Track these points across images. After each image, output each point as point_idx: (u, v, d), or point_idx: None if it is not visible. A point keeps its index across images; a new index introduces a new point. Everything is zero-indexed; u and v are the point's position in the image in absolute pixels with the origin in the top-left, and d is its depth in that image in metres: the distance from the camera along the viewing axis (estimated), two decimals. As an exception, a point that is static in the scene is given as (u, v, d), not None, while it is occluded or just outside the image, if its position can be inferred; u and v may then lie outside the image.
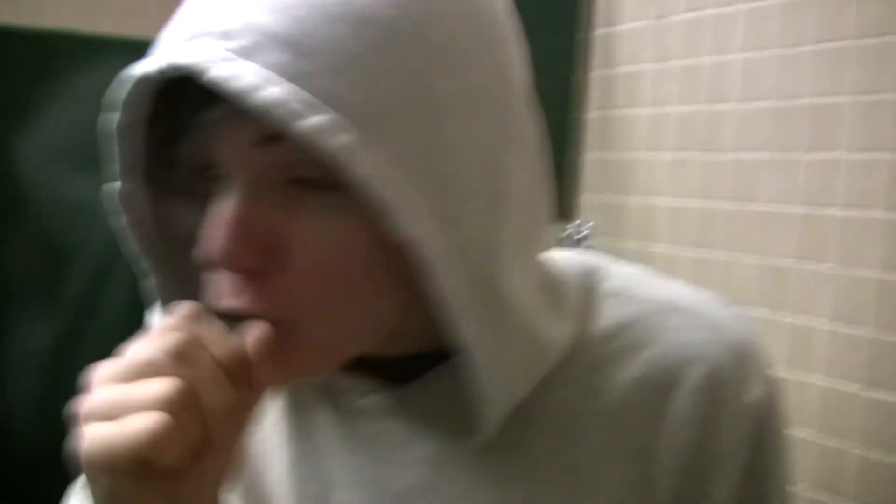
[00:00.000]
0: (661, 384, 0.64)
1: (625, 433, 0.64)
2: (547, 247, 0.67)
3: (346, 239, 0.56)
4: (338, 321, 0.58)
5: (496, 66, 0.58)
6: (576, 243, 2.25)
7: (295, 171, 0.55)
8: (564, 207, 2.36)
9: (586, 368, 0.65)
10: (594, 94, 2.37)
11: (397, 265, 0.55)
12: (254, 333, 0.55)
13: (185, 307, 0.56)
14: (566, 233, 2.29)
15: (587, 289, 0.68)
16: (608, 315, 0.67)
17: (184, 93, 0.55)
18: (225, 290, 0.58)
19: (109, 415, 0.50)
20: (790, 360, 1.77)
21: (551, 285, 0.66)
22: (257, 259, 0.56)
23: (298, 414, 0.71)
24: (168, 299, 0.64)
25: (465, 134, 0.55)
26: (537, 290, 0.63)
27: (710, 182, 2.02)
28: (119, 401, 0.50)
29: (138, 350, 0.53)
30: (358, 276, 0.57)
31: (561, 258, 0.70)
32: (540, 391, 0.64)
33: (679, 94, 2.11)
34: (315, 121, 0.50)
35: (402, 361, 0.65)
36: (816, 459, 1.72)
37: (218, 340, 0.54)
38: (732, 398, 0.64)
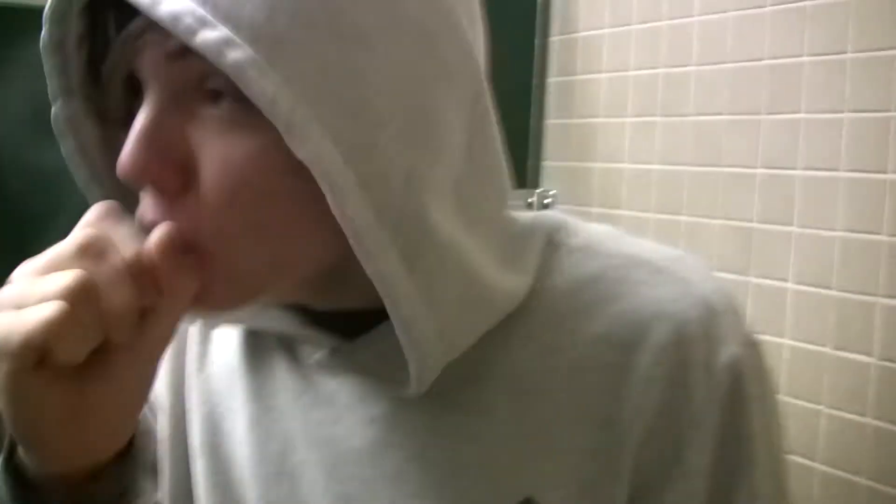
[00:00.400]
0: (625, 341, 0.61)
1: (586, 393, 0.61)
2: (505, 199, 0.64)
3: (253, 158, 0.54)
4: (252, 247, 0.56)
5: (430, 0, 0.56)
6: (541, 210, 2.25)
7: (207, 84, 0.54)
8: (528, 175, 2.35)
9: (547, 324, 0.63)
10: (554, 60, 2.36)
11: (311, 192, 0.52)
12: (156, 233, 0.54)
13: (101, 206, 0.55)
14: (530, 200, 2.28)
15: (552, 243, 0.66)
16: (572, 270, 0.64)
17: (117, 11, 0.54)
18: (143, 207, 0.57)
19: (14, 306, 0.50)
20: (758, 323, 1.76)
21: (512, 239, 0.64)
22: (165, 173, 0.54)
23: (259, 372, 0.70)
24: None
25: (382, 62, 0.53)
26: (491, 241, 0.61)
27: (672, 146, 2.01)
28: (24, 292, 0.50)
29: (53, 247, 0.52)
30: (269, 198, 0.55)
31: (528, 215, 0.67)
32: (496, 347, 0.62)
33: (639, 59, 2.10)
34: (207, 37, 0.50)
35: (356, 317, 0.63)
36: (787, 421, 1.73)
37: (127, 241, 0.53)
38: (702, 358, 0.60)
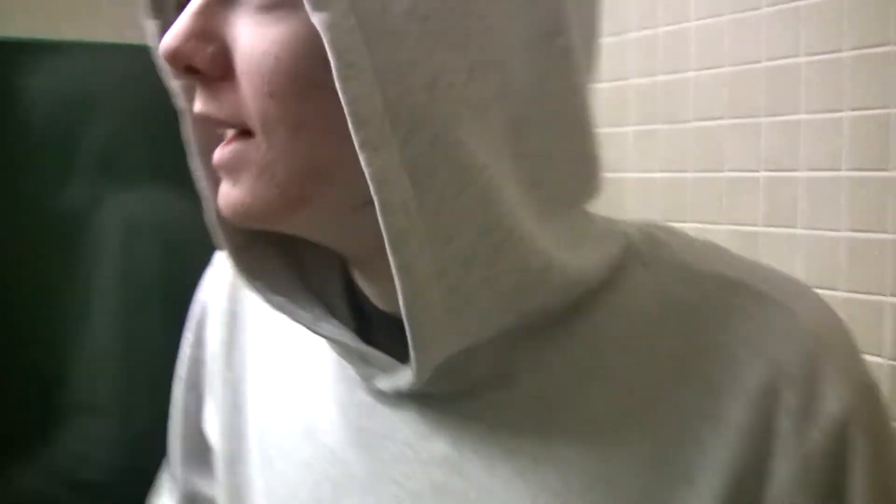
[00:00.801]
0: (712, 382, 0.53)
1: (666, 441, 0.53)
2: (586, 183, 0.57)
3: (284, 43, 0.51)
4: (289, 143, 0.53)
5: None
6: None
7: None
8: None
9: (626, 357, 0.55)
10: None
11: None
12: None
13: None
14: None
15: (635, 254, 0.58)
16: (657, 290, 0.56)
17: None
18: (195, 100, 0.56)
19: None
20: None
21: (583, 233, 0.57)
22: (199, 56, 0.53)
23: (314, 409, 0.66)
24: (200, 141, 0.61)
25: None
26: (552, 218, 0.54)
27: (674, 153, 2.01)
28: None
29: None
30: (304, 89, 0.52)
31: (610, 218, 0.62)
32: (567, 383, 0.55)
33: (637, 67, 2.09)
34: None
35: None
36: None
37: None
38: (802, 405, 0.51)
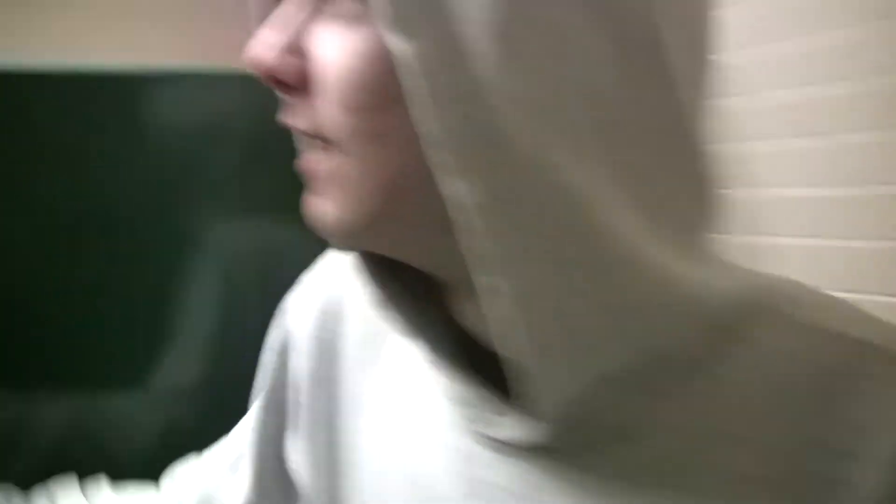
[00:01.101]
0: (842, 450, 0.50)
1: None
2: (702, 207, 0.53)
3: (363, 57, 0.51)
4: (368, 157, 0.52)
5: None
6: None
7: None
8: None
9: (753, 416, 0.52)
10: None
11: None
12: None
13: None
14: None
15: (767, 309, 0.55)
16: (787, 346, 0.53)
17: None
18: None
19: None
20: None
21: (717, 267, 0.54)
22: (281, 67, 0.54)
23: (422, 455, 0.63)
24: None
25: None
26: (664, 239, 0.51)
27: (815, 169, 1.94)
28: None
29: None
30: (384, 103, 0.51)
31: (738, 266, 0.58)
32: (695, 440, 0.53)
33: (775, 81, 2.04)
34: None
35: None
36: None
37: None
38: None
